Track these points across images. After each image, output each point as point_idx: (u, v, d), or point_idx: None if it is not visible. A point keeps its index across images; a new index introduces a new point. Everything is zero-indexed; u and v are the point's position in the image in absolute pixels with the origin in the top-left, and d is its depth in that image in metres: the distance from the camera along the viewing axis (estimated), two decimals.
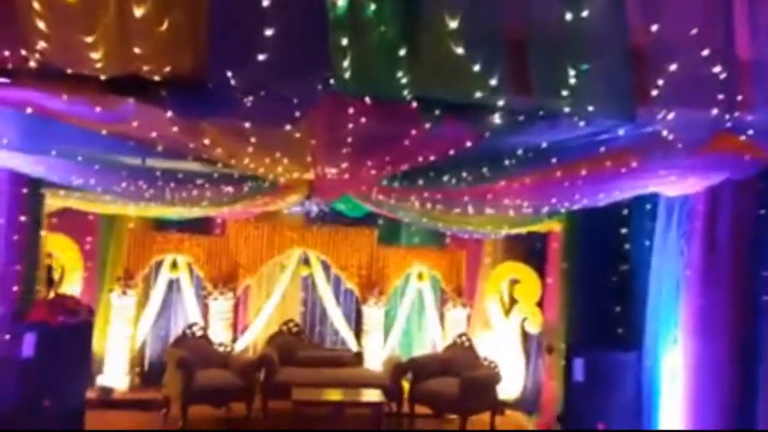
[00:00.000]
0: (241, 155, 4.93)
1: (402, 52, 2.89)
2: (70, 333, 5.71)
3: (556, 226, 7.82)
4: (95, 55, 3.03)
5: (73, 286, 8.45)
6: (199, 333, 8.05)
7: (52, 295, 6.10)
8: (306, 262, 9.29)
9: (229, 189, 6.18)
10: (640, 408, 5.83)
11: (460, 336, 8.54)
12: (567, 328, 6.73)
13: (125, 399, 8.12)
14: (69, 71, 3.29)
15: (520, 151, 4.48)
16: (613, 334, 6.30)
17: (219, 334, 8.55)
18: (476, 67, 2.92)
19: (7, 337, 5.58)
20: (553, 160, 4.58)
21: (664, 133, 4.06)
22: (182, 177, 5.68)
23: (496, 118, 3.75)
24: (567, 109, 3.58)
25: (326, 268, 9.24)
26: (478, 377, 7.63)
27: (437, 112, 3.76)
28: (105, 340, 8.61)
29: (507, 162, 4.62)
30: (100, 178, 5.64)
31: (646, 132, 4.10)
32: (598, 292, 6.43)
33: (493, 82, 3.05)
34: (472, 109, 3.72)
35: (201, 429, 7.21)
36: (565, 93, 3.25)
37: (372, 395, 7.22)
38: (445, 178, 5.08)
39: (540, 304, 8.84)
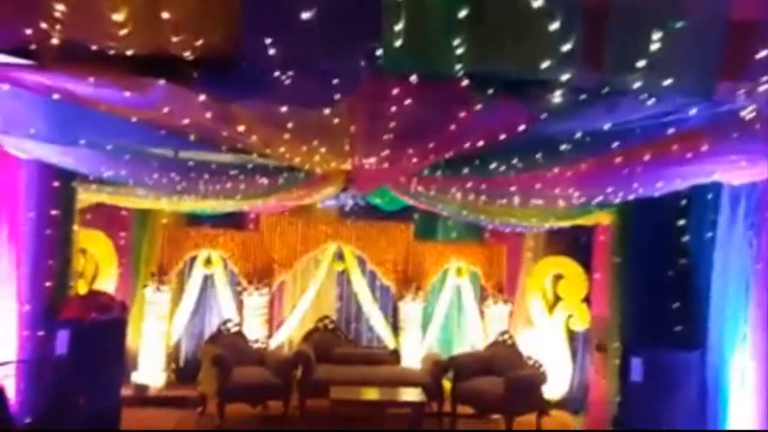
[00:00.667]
0: (276, 143, 4.63)
1: (463, 13, 2.52)
2: (104, 330, 5.50)
3: (603, 219, 7.38)
4: (121, 30, 2.76)
5: (107, 282, 8.28)
6: (234, 329, 7.82)
7: (85, 291, 5.86)
8: (341, 257, 8.99)
9: (264, 181, 5.89)
10: (704, 409, 5.38)
11: (502, 334, 8.15)
12: (621, 325, 6.29)
13: (160, 396, 7.93)
14: (93, 47, 3.02)
15: (578, 135, 4.08)
16: (671, 332, 5.84)
17: (254, 330, 8.31)
18: (553, 26, 2.54)
19: (41, 334, 5.40)
20: (614, 145, 4.17)
21: (743, 112, 3.63)
22: (215, 168, 5.41)
23: (557, 97, 3.37)
24: (638, 85, 3.18)
25: (361, 263, 8.92)
26: (523, 377, 7.24)
27: (491, 90, 3.39)
28: (139, 337, 8.45)
29: (563, 147, 4.22)
30: (130, 170, 5.41)
31: (721, 111, 3.68)
32: (654, 287, 5.97)
33: (566, 47, 2.66)
34: (530, 86, 3.34)
35: (238, 428, 6.96)
36: (641, 64, 2.86)
37: (412, 394, 6.88)
38: (493, 165, 4.70)
39: (586, 301, 8.42)
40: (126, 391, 7.70)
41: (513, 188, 5.35)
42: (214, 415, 6.90)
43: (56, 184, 5.83)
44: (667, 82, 3.07)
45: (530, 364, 7.57)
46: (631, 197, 5.70)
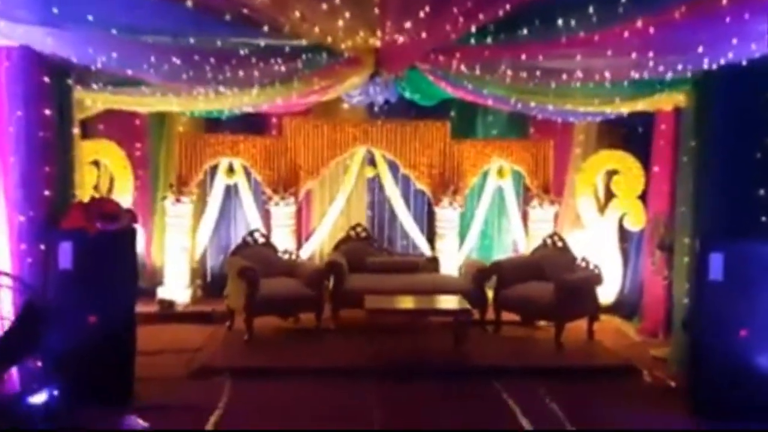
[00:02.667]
0: (290, 3, 3.68)
1: None
2: (112, 241, 4.80)
3: (666, 104, 6.31)
4: None
5: (123, 195, 7.60)
6: (261, 240, 7.12)
7: (87, 198, 5.14)
8: (371, 161, 8.13)
9: (281, 66, 4.96)
10: None
11: (550, 236, 7.30)
12: (694, 219, 5.37)
13: (187, 312, 7.38)
14: None
15: None
16: (757, 224, 4.94)
17: (282, 241, 7.62)
18: None
19: (42, 247, 4.72)
20: None
21: None
22: (221, 49, 4.50)
23: None
24: None
25: (394, 167, 8.06)
26: (576, 280, 6.44)
27: None
28: (163, 252, 7.87)
29: None
30: (123, 53, 4.53)
31: None
32: (737, 173, 5.01)
33: None
34: None
35: (268, 342, 6.37)
36: None
37: (453, 302, 6.17)
38: (560, 21, 3.69)
39: (642, 198, 7.50)
40: (151, 308, 7.25)
41: (579, 57, 4.32)
42: (243, 330, 6.31)
43: (46, 80, 5.00)
44: None
45: (583, 266, 6.77)
46: (718, 63, 4.64)
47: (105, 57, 4.58)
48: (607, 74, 4.75)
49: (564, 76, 4.77)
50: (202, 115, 7.64)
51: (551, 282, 6.47)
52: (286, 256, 7.17)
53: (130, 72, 5.03)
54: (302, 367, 5.66)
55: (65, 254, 4.62)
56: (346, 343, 6.25)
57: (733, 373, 4.68)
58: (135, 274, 5.08)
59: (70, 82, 5.31)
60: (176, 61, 4.61)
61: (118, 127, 7.87)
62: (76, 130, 5.48)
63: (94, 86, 5.69)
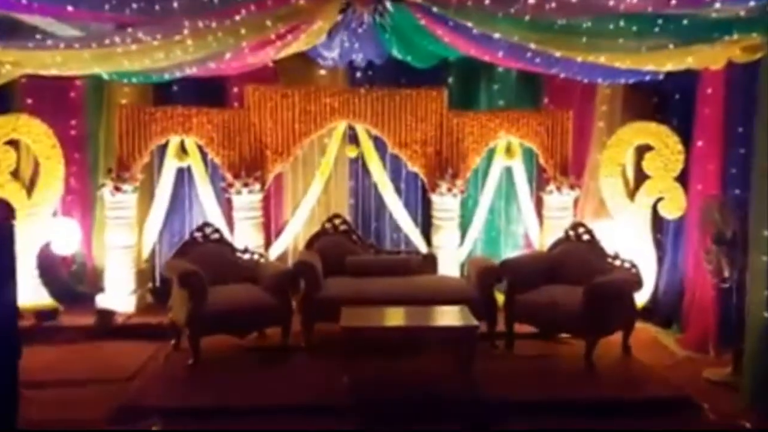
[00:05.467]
0: None
1: None
2: None
3: (718, 60, 4.90)
4: None
5: (52, 183, 6.18)
6: (214, 236, 5.70)
7: None
8: (353, 139, 6.69)
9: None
10: None
11: (574, 227, 5.87)
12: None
13: (129, 325, 5.97)
14: None
15: None
16: None
17: (247, 237, 6.22)
18: None
19: None
20: None
21: None
22: None
23: None
24: None
25: (381, 145, 6.61)
26: (611, 284, 5.05)
27: None
28: (104, 251, 6.45)
29: None
30: None
31: None
32: None
33: None
34: None
35: (220, 365, 4.97)
36: None
37: (454, 316, 4.77)
38: None
39: (681, 179, 6.11)
40: (86, 320, 5.87)
41: None
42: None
43: None
44: None
45: (617, 265, 5.37)
46: None
47: None
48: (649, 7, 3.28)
49: (612, 1, 3.32)
50: (141, 81, 6.18)
51: (576, 285, 5.09)
52: (247, 257, 5.74)
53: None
54: (259, 406, 4.27)
55: None
56: (319, 368, 4.86)
57: None
58: (13, 282, 3.63)
59: None
60: None
61: (50, 101, 6.50)
62: None
63: None
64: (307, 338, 5.25)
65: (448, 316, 4.79)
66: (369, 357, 4.57)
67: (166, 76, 5.64)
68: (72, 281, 6.64)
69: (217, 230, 5.72)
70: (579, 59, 4.62)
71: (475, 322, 4.58)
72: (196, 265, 5.08)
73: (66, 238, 6.39)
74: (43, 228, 6.18)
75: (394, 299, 5.16)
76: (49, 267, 6.33)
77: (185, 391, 4.57)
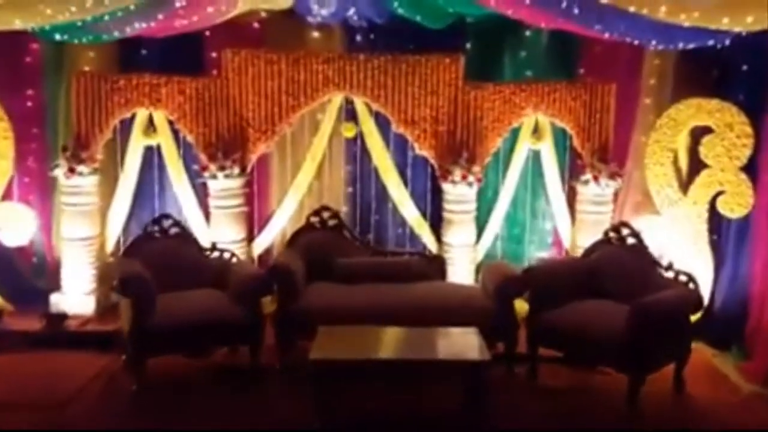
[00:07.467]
0: None
1: None
2: None
3: None
4: None
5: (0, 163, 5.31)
6: (174, 231, 4.73)
7: None
8: (351, 115, 5.66)
9: None
10: None
11: (616, 228, 4.76)
12: None
13: (81, 332, 5.06)
14: None
15: None
16: None
17: (225, 230, 5.28)
18: None
19: None
20: None
21: None
22: None
23: None
24: None
25: (384, 123, 5.56)
26: (665, 303, 3.96)
27: None
28: (61, 244, 5.57)
29: None
30: None
31: None
32: None
33: None
34: None
35: (169, 391, 4.03)
36: None
37: (465, 345, 3.74)
38: None
39: (747, 170, 4.98)
40: (34, 325, 4.99)
41: None
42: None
43: None
44: None
45: (670, 278, 4.27)
46: None
47: None
48: None
49: None
50: (90, 41, 5.25)
51: (618, 302, 4.03)
52: (216, 255, 4.78)
53: None
54: None
55: None
56: (294, 396, 3.87)
57: None
58: None
59: None
60: None
61: (0, 66, 5.58)
62: None
63: None
64: (282, 359, 4.27)
65: (453, 343, 3.78)
66: (347, 392, 3.58)
67: (116, 34, 4.65)
68: (32, 276, 5.80)
69: (177, 223, 4.76)
70: (632, 9, 3.50)
71: (487, 356, 3.55)
72: (148, 267, 4.13)
73: (18, 227, 5.53)
74: None
75: (389, 313, 4.18)
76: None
77: (124, 424, 3.64)
